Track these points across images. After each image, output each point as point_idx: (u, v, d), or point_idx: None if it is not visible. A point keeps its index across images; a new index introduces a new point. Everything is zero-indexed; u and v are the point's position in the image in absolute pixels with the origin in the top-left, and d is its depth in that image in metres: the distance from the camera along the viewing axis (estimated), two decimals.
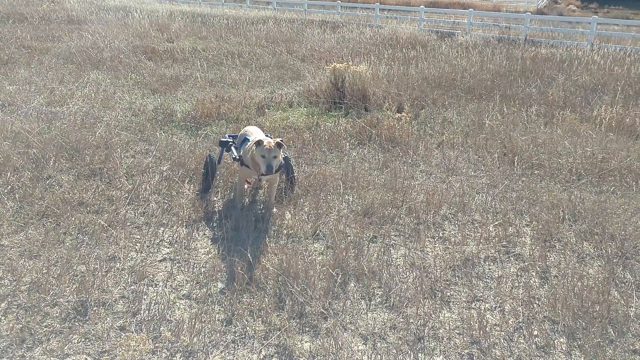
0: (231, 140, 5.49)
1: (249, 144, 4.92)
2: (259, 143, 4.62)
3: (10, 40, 13.06)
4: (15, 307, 3.52)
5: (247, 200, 5.26)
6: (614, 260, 4.40)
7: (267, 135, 5.34)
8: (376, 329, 3.57)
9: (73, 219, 4.67)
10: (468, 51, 14.27)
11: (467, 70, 11.49)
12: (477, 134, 7.52)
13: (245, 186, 5.28)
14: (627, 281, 4.13)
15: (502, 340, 3.48)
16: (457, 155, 6.82)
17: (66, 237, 4.43)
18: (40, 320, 3.41)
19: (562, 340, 3.49)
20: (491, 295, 3.98)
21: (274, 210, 5.02)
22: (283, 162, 4.95)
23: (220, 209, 5.11)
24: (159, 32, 15.72)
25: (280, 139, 5.08)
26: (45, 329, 3.34)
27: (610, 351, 3.36)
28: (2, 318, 3.42)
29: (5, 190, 5.10)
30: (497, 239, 4.76)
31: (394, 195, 5.50)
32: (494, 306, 3.85)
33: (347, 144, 7.11)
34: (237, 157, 4.98)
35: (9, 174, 5.41)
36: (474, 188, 5.86)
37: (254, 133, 5.23)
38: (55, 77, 9.89)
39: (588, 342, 3.42)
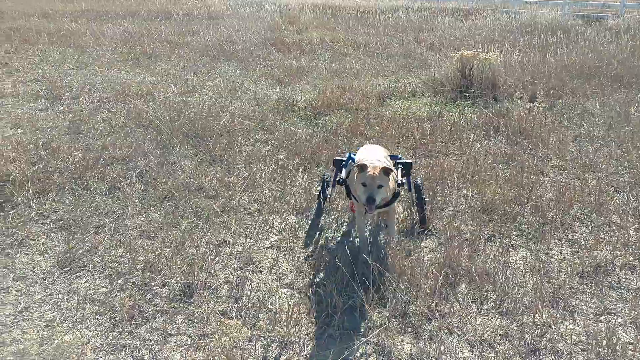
0: (346, 159, 4.52)
1: (353, 164, 3.97)
2: (362, 167, 3.69)
3: (155, 36, 14.09)
4: (130, 284, 3.71)
5: (370, 230, 4.40)
6: None
7: (393, 157, 4.51)
8: (485, 335, 3.26)
9: (190, 202, 4.85)
10: (618, 36, 12.87)
11: (615, 57, 10.35)
12: (622, 126, 6.71)
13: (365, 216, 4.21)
14: None
15: None
16: (596, 149, 6.13)
17: (183, 220, 4.61)
18: (149, 299, 3.56)
19: None
20: (626, 308, 3.48)
21: (395, 239, 4.09)
22: (398, 190, 3.98)
23: (334, 198, 5.03)
24: (289, 24, 16.08)
25: (406, 161, 4.49)
26: (153, 307, 3.47)
27: None
28: (118, 294, 3.61)
29: (135, 174, 5.43)
30: (638, 244, 4.18)
31: (518, 191, 5.06)
32: (628, 321, 3.36)
33: (472, 135, 6.69)
34: (342, 180, 4.12)
35: (139, 158, 5.78)
36: (614, 186, 5.21)
37: (366, 151, 4.24)
38: (191, 69, 10.46)
39: None
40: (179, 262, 3.93)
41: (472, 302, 3.58)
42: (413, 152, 6.16)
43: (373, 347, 3.17)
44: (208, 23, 16.73)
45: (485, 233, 4.41)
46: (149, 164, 5.64)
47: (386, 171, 3.66)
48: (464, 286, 3.73)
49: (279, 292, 3.69)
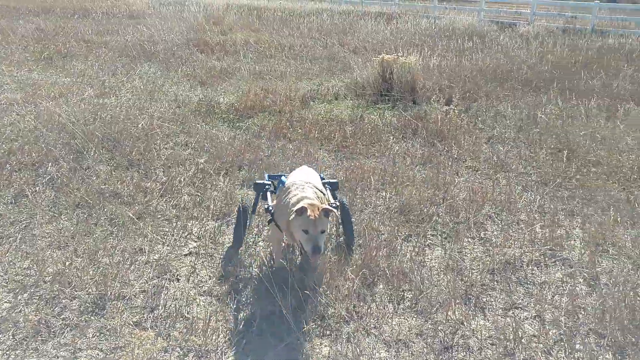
0: (270, 182, 4.27)
1: (286, 195, 3.58)
2: (301, 211, 3.29)
3: (70, 35, 13.49)
4: (37, 298, 3.52)
5: (286, 264, 3.83)
6: None
7: (321, 177, 4.18)
8: (401, 335, 3.34)
9: (105, 209, 4.67)
10: (528, 42, 13.62)
11: (526, 62, 10.93)
12: (531, 128, 7.09)
13: (283, 245, 3.99)
14: None
15: (540, 354, 3.18)
16: (507, 150, 6.44)
17: (96, 228, 4.43)
18: (58, 312, 3.39)
19: (607, 356, 3.15)
20: (531, 302, 3.66)
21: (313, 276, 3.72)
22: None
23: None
24: (213, 25, 15.85)
25: (332, 180, 4.25)
26: (61, 322, 3.31)
27: None
28: (23, 309, 3.41)
29: (45, 180, 5.17)
30: (543, 241, 4.42)
31: (434, 191, 5.23)
32: (533, 315, 3.54)
33: (391, 137, 6.85)
34: (269, 208, 3.79)
35: (50, 164, 5.50)
36: (523, 185, 5.49)
37: (297, 176, 3.86)
38: (109, 69, 10.09)
39: None
40: (91, 272, 3.77)
41: (389, 302, 3.65)
42: (335, 154, 6.23)
43: (292, 352, 3.17)
44: (128, 22, 16.23)
45: (402, 233, 4.52)
46: (60, 170, 5.38)
47: (327, 212, 3.31)
48: (381, 286, 3.80)
49: (197, 300, 3.62)
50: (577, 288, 3.81)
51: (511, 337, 3.29)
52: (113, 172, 5.43)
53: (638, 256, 4.20)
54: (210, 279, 3.86)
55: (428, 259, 4.18)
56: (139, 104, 7.73)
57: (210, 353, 3.12)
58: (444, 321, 3.45)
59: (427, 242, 4.42)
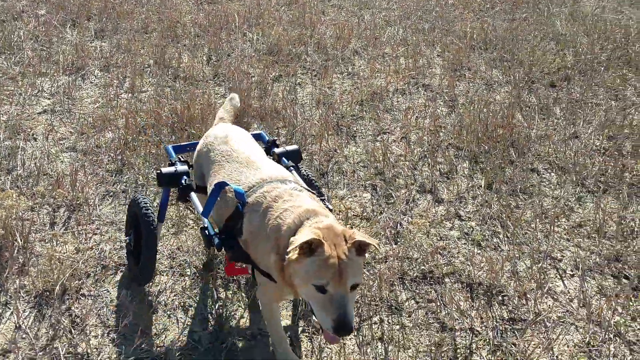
0: (187, 169, 2.36)
1: (265, 212, 1.90)
2: (310, 248, 1.68)
3: None
4: None
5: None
6: (520, 85, 4.34)
7: (257, 136, 2.70)
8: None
9: None
10: None
11: None
12: None
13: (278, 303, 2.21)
14: (531, 105, 4.11)
15: (407, 170, 3.42)
16: None
17: None
18: None
19: (465, 165, 3.47)
20: (398, 127, 3.86)
21: None
22: None
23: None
24: None
25: (292, 147, 2.52)
26: None
27: (509, 171, 3.37)
28: None
29: None
30: (407, 71, 4.58)
31: (301, 31, 5.13)
32: (400, 137, 3.75)
33: None
34: (216, 240, 2.02)
35: None
36: (386, 21, 5.54)
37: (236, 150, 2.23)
38: None
39: (489, 164, 3.41)
40: None
41: None
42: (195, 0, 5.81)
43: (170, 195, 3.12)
44: None
45: (273, 74, 4.45)
46: None
47: (361, 248, 1.74)
48: (255, 126, 3.79)
49: (60, 156, 3.38)
50: (438, 110, 4.06)
51: (381, 158, 3.48)
52: None
53: (490, 77, 4.52)
54: (72, 134, 3.59)
55: (300, 96, 4.20)
56: None
57: (82, 206, 2.98)
58: (319, 151, 3.55)
59: (297, 81, 4.40)
